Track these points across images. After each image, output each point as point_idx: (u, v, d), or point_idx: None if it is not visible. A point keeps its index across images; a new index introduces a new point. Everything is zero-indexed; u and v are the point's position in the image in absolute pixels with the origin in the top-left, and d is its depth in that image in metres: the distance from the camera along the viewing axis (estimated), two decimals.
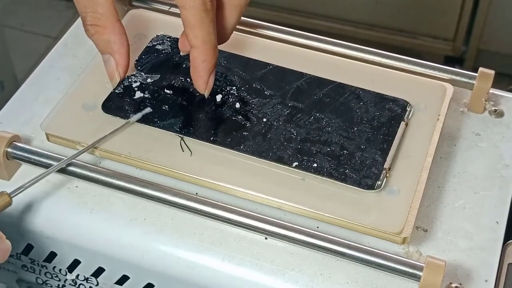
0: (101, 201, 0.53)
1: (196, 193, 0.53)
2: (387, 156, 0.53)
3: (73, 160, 0.53)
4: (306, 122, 0.55)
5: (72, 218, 0.53)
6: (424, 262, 0.48)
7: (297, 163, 0.52)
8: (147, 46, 0.61)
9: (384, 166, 0.52)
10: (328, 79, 0.58)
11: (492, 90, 0.60)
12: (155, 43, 0.61)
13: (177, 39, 0.61)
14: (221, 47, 0.57)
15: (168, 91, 0.57)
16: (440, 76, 0.60)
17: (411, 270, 0.48)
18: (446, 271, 0.48)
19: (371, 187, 0.51)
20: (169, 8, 0.64)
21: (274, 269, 0.50)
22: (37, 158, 0.54)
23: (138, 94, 0.57)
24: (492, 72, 0.59)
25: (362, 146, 0.54)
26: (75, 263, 0.54)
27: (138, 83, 0.57)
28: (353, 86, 0.58)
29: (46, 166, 0.54)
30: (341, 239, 0.49)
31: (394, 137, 0.54)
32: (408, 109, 0.56)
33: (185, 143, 0.54)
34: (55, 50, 0.64)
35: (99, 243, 0.53)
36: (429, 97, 0.58)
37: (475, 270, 0.50)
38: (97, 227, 0.53)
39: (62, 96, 0.58)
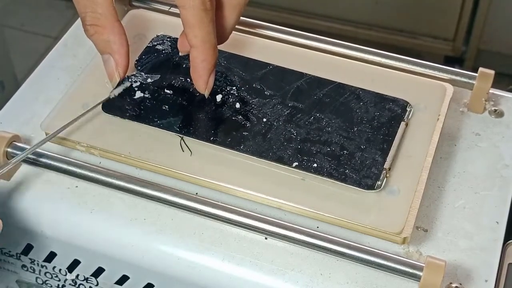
0: (101, 201, 0.53)
1: (196, 193, 0.53)
2: (387, 156, 0.53)
3: (73, 160, 0.53)
4: (306, 122, 0.55)
5: (72, 218, 0.53)
6: (424, 262, 0.48)
7: (297, 163, 0.52)
8: (147, 46, 0.61)
9: (384, 166, 0.52)
10: (328, 79, 0.58)
11: (492, 90, 0.60)
12: (155, 43, 0.61)
13: (177, 39, 0.61)
14: (221, 47, 0.57)
15: (168, 91, 0.57)
16: (440, 76, 0.60)
17: (411, 270, 0.48)
18: (446, 271, 0.48)
19: (371, 187, 0.51)
20: (169, 8, 0.64)
21: (274, 269, 0.50)
22: (37, 158, 0.54)
23: (138, 94, 0.57)
24: (492, 72, 0.59)
25: (362, 146, 0.54)
26: (75, 263, 0.54)
27: (138, 83, 0.57)
28: (353, 86, 0.58)
29: (46, 166, 0.54)
30: (341, 239, 0.49)
31: (394, 137, 0.54)
32: (408, 109, 0.56)
33: (185, 143, 0.54)
34: (55, 50, 0.64)
35: (99, 243, 0.53)
36: (429, 97, 0.58)
37: (475, 270, 0.50)
38: (97, 227, 0.53)
39: (62, 96, 0.58)
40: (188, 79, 0.57)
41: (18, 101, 0.60)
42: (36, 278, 0.57)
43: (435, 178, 0.55)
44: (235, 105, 0.56)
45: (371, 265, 0.49)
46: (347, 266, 0.50)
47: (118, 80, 0.55)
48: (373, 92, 0.57)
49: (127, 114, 0.55)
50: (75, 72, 0.61)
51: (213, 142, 0.54)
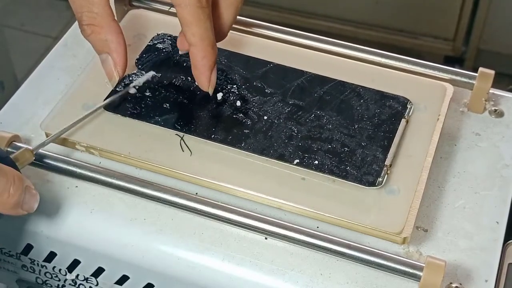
0: (101, 201, 0.53)
1: (196, 193, 0.52)
2: (387, 153, 0.53)
3: (73, 160, 0.53)
4: (307, 119, 0.55)
5: (72, 218, 0.53)
6: (424, 262, 0.48)
7: (298, 161, 0.52)
8: (148, 45, 0.61)
9: (385, 163, 0.52)
10: (328, 77, 0.58)
11: (492, 90, 0.60)
12: (156, 42, 0.61)
13: (178, 37, 0.61)
14: (221, 45, 0.57)
15: (168, 89, 0.57)
16: (440, 76, 0.60)
17: (411, 270, 0.48)
18: (446, 271, 0.48)
19: (372, 184, 0.51)
20: (169, 8, 0.64)
21: (274, 269, 0.50)
22: (37, 158, 0.53)
23: (139, 92, 0.57)
24: (492, 72, 0.59)
25: (362, 143, 0.54)
26: (75, 263, 0.54)
27: (138, 82, 0.57)
28: (353, 84, 0.58)
29: (46, 166, 0.54)
30: (341, 239, 0.49)
31: (395, 134, 0.54)
32: (408, 106, 0.56)
33: (185, 143, 0.54)
34: (55, 50, 0.64)
35: (99, 243, 0.53)
36: (429, 97, 0.58)
37: (475, 270, 0.50)
38: (97, 227, 0.53)
39: (62, 96, 0.58)
40: (189, 77, 0.58)
41: (18, 101, 0.60)
42: (36, 278, 0.57)
43: (435, 178, 0.55)
44: (236, 103, 0.56)
45: (371, 265, 0.49)
46: (347, 266, 0.50)
47: (117, 79, 0.55)
48: (374, 89, 0.57)
49: (128, 112, 0.55)
50: (75, 72, 0.61)
51: (214, 140, 0.54)
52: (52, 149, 0.55)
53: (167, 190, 0.52)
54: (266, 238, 0.51)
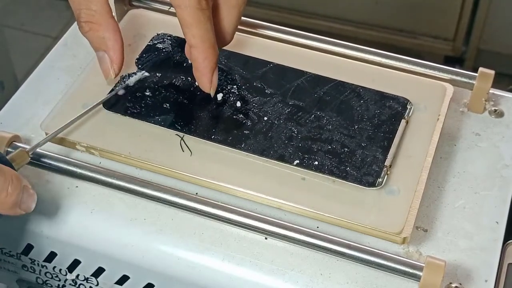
0: (101, 201, 0.53)
1: (196, 193, 0.53)
2: (387, 154, 0.53)
3: (73, 160, 0.53)
4: (307, 120, 0.55)
5: (72, 218, 0.53)
6: (424, 262, 0.48)
7: (298, 161, 0.52)
8: (148, 44, 0.61)
9: (385, 164, 0.52)
10: (328, 77, 0.58)
11: (492, 90, 0.60)
12: (156, 42, 0.61)
13: (178, 37, 0.61)
14: None
15: (168, 89, 0.57)
16: (440, 76, 0.60)
17: (411, 270, 0.48)
18: (446, 271, 0.48)
19: (372, 184, 0.51)
20: (169, 8, 0.64)
21: (274, 269, 0.50)
22: (37, 158, 0.53)
23: (139, 92, 0.57)
24: (492, 72, 0.59)
25: (362, 144, 0.54)
26: (75, 263, 0.54)
27: (138, 81, 0.57)
28: (353, 84, 0.58)
29: (46, 166, 0.54)
30: (341, 239, 0.49)
31: (395, 134, 0.54)
32: (408, 106, 0.56)
33: (185, 143, 0.54)
34: (55, 50, 0.64)
35: (99, 243, 0.53)
36: (429, 97, 0.58)
37: (475, 270, 0.50)
38: (97, 227, 0.53)
39: (62, 96, 0.58)
40: (189, 77, 0.58)
41: (18, 101, 0.60)
42: (36, 278, 0.57)
43: (435, 178, 0.55)
44: (236, 104, 0.56)
45: (371, 265, 0.49)
46: (347, 266, 0.50)
47: (113, 77, 0.55)
48: (374, 90, 0.57)
49: (128, 112, 0.55)
50: (75, 72, 0.61)
51: (214, 140, 0.54)
52: (52, 149, 0.55)
53: (167, 190, 0.52)
54: (266, 238, 0.51)
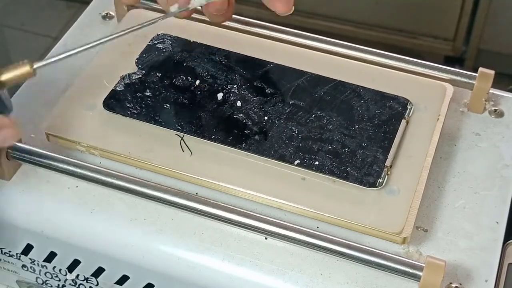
0: (101, 201, 0.53)
1: (196, 193, 0.53)
2: (388, 154, 0.53)
3: (73, 160, 0.53)
4: (307, 120, 0.55)
5: (72, 218, 0.53)
6: (424, 262, 0.48)
7: (298, 161, 0.52)
8: (148, 44, 0.61)
9: (385, 164, 0.52)
10: (328, 77, 0.58)
11: (492, 90, 0.60)
12: (156, 42, 0.61)
13: (178, 37, 0.61)
14: (221, 45, 0.57)
15: (168, 90, 0.57)
16: (440, 76, 0.60)
17: (411, 270, 0.48)
18: (446, 271, 0.48)
19: (372, 184, 0.51)
20: None
21: (274, 269, 0.50)
22: (37, 158, 0.54)
23: (139, 92, 0.57)
24: (492, 72, 0.59)
25: (363, 144, 0.54)
26: (75, 263, 0.54)
27: (138, 81, 0.57)
28: (353, 84, 0.58)
29: (46, 166, 0.54)
30: (341, 239, 0.49)
31: (395, 135, 0.54)
32: (408, 107, 0.56)
33: (185, 143, 0.54)
34: (55, 50, 0.64)
35: (99, 243, 0.53)
36: (429, 97, 0.58)
37: (475, 270, 0.50)
38: (97, 227, 0.53)
39: (62, 96, 0.58)
40: (189, 77, 0.58)
41: (18, 101, 0.60)
42: (36, 278, 0.57)
43: (435, 178, 0.55)
44: (236, 103, 0.56)
45: (371, 265, 0.49)
46: (347, 266, 0.50)
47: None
48: (374, 90, 0.57)
49: (128, 112, 0.55)
50: (75, 72, 0.61)
51: (214, 140, 0.54)
52: (52, 149, 0.55)
53: (167, 190, 0.52)
54: (266, 238, 0.51)
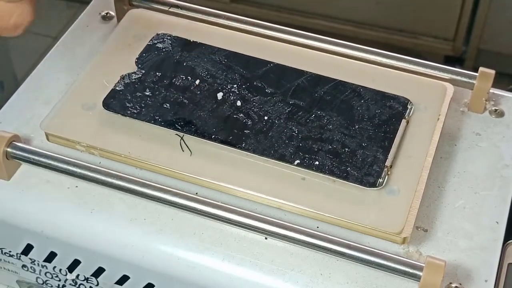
0: (101, 201, 0.53)
1: (196, 193, 0.52)
2: (388, 154, 0.53)
3: (73, 160, 0.53)
4: (308, 120, 0.55)
5: (72, 218, 0.53)
6: (424, 262, 0.48)
7: (298, 161, 0.52)
8: (148, 44, 0.61)
9: (386, 164, 0.52)
10: (328, 77, 0.58)
11: (492, 90, 0.60)
12: (156, 42, 0.61)
13: (178, 37, 0.61)
14: (221, 45, 0.57)
15: (168, 89, 0.57)
16: (441, 76, 0.60)
17: (411, 270, 0.48)
18: (446, 271, 0.48)
19: (372, 184, 0.51)
20: (169, 8, 0.64)
21: (274, 269, 0.50)
22: (37, 158, 0.54)
23: (139, 92, 0.57)
24: (493, 71, 0.59)
25: (363, 144, 0.54)
26: (75, 263, 0.54)
27: (138, 81, 0.57)
28: (354, 84, 0.58)
29: (46, 166, 0.54)
30: (341, 239, 0.49)
31: (395, 134, 0.54)
32: (409, 106, 0.56)
33: (185, 143, 0.54)
34: (55, 50, 0.64)
35: (99, 243, 0.53)
36: (429, 97, 0.58)
37: (475, 270, 0.50)
38: (97, 227, 0.53)
39: (62, 96, 0.58)
40: (189, 77, 0.58)
41: (18, 101, 0.60)
42: (37, 278, 0.57)
43: (435, 178, 0.55)
44: (236, 103, 0.56)
45: (371, 265, 0.49)
46: (347, 266, 0.50)
47: None
48: (374, 89, 0.57)
49: (128, 112, 0.55)
50: (75, 72, 0.61)
51: (214, 140, 0.54)
52: (52, 149, 0.55)
53: (167, 190, 0.52)
54: (266, 238, 0.51)
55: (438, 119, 0.56)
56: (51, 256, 0.55)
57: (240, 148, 0.53)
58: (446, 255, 0.51)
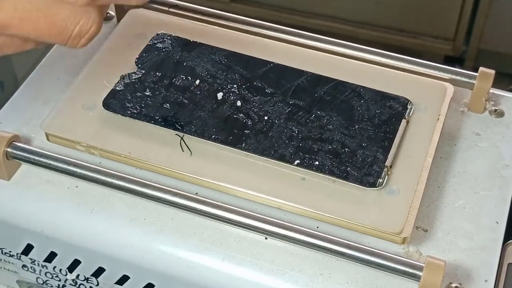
0: (101, 201, 0.53)
1: (196, 193, 0.52)
2: (388, 154, 0.53)
3: (73, 160, 0.53)
4: (307, 120, 0.55)
5: (72, 218, 0.53)
6: (424, 262, 0.48)
7: (298, 161, 0.52)
8: (148, 44, 0.61)
9: (386, 164, 0.52)
10: (328, 77, 0.58)
11: (492, 90, 0.60)
12: (156, 41, 0.61)
13: (178, 37, 0.61)
14: (221, 45, 0.57)
15: (168, 89, 0.57)
16: (441, 76, 0.60)
17: (411, 270, 0.48)
18: (446, 271, 0.48)
19: (372, 184, 0.51)
20: (169, 8, 0.64)
21: (274, 269, 0.50)
22: (37, 158, 0.54)
23: (139, 92, 0.57)
24: (493, 71, 0.59)
25: (363, 144, 0.54)
26: (75, 263, 0.54)
27: (138, 81, 0.57)
28: (354, 84, 0.58)
29: (46, 166, 0.54)
30: (341, 239, 0.49)
31: (395, 134, 0.54)
32: (409, 106, 0.56)
33: (185, 143, 0.54)
34: (55, 50, 0.64)
35: (99, 243, 0.53)
36: (429, 97, 0.58)
37: (475, 270, 0.50)
38: (97, 227, 0.53)
39: (62, 96, 0.58)
40: (189, 77, 0.58)
41: (18, 101, 0.60)
42: (37, 278, 0.57)
43: (435, 178, 0.55)
44: (236, 103, 0.56)
45: (371, 265, 0.49)
46: (347, 266, 0.50)
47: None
48: (374, 89, 0.57)
49: (128, 112, 0.55)
50: (75, 72, 0.61)
51: (214, 140, 0.54)
52: (52, 149, 0.55)
53: (167, 190, 0.52)
54: (266, 238, 0.51)
55: (438, 119, 0.56)
56: (51, 256, 0.55)
57: (240, 148, 0.53)
58: (446, 255, 0.51)
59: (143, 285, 0.53)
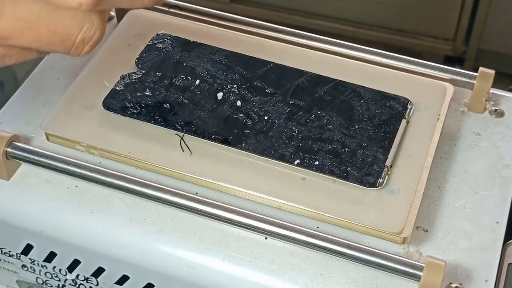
0: (101, 201, 0.53)
1: (196, 193, 0.52)
2: (388, 154, 0.53)
3: (73, 160, 0.53)
4: (308, 120, 0.55)
5: (72, 218, 0.53)
6: (424, 262, 0.48)
7: (298, 161, 0.52)
8: (148, 44, 0.61)
9: (386, 164, 0.52)
10: (328, 77, 0.58)
11: (492, 90, 0.60)
12: (156, 42, 0.61)
13: (178, 37, 0.61)
14: (221, 45, 0.57)
15: (168, 89, 0.57)
16: (441, 76, 0.60)
17: (411, 270, 0.48)
18: (446, 271, 0.48)
19: (372, 184, 0.51)
20: (169, 8, 0.64)
21: (274, 269, 0.50)
22: (36, 158, 0.54)
23: (139, 92, 0.57)
24: (493, 72, 0.59)
25: (363, 144, 0.54)
26: (75, 263, 0.54)
27: (138, 81, 0.57)
28: (354, 84, 0.58)
29: (46, 166, 0.54)
30: (341, 239, 0.49)
31: (395, 134, 0.54)
32: (409, 106, 0.56)
33: (185, 143, 0.54)
34: None
35: (99, 243, 0.53)
36: (429, 97, 0.58)
37: (475, 270, 0.50)
38: (97, 227, 0.53)
39: (62, 96, 0.58)
40: (189, 77, 0.58)
41: (18, 101, 0.60)
42: (36, 278, 0.57)
43: (435, 178, 0.55)
44: (236, 103, 0.56)
45: (371, 265, 0.49)
46: (347, 266, 0.50)
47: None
48: (374, 89, 0.57)
49: (128, 112, 0.55)
50: (74, 72, 0.61)
51: (214, 140, 0.54)
52: (52, 149, 0.55)
53: (167, 190, 0.52)
54: (266, 238, 0.51)
55: (438, 119, 0.56)
56: (51, 256, 0.55)
57: (240, 148, 0.53)
58: (446, 255, 0.51)
59: (143, 285, 0.53)
